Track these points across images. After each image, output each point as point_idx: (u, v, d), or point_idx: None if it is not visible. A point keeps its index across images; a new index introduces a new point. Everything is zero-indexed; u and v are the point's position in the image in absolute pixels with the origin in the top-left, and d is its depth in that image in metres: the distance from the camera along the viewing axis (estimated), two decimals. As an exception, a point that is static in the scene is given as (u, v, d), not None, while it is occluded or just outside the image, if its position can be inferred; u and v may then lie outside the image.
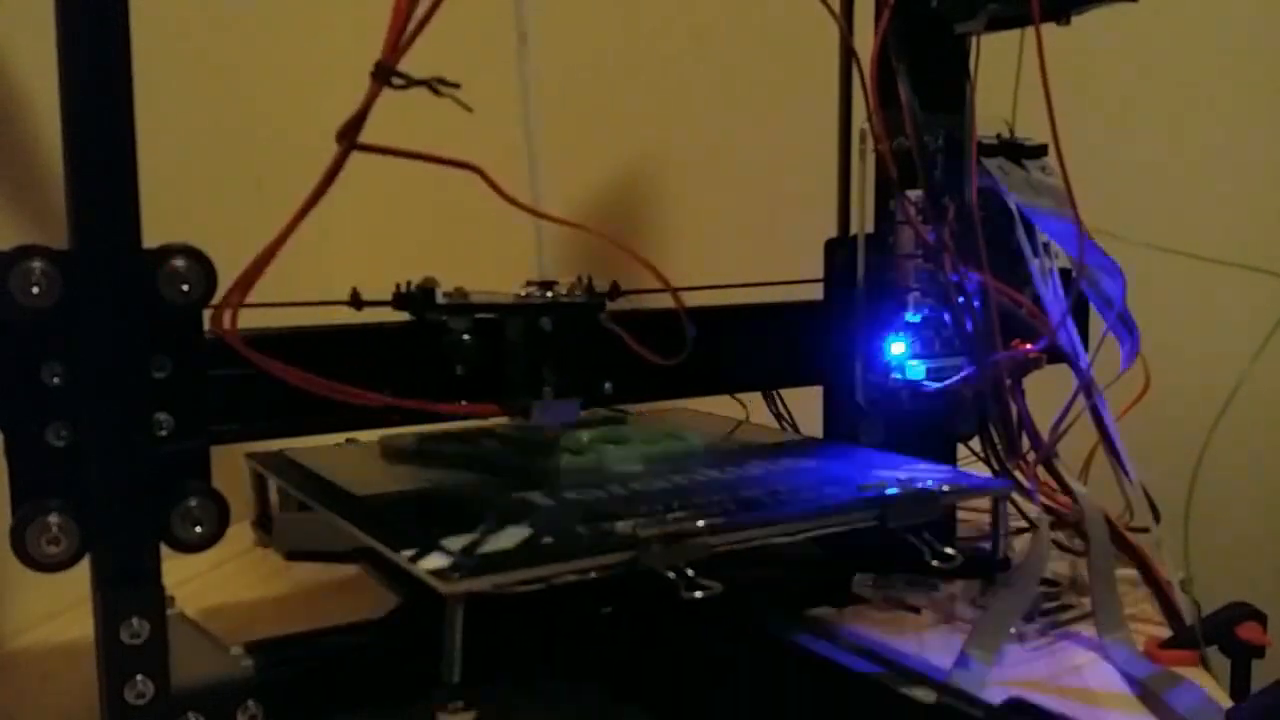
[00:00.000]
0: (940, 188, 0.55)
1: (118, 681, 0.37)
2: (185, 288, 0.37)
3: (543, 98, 0.50)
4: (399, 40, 0.35)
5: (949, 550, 0.44)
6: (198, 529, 0.38)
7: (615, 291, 0.50)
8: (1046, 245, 0.58)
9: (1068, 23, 0.55)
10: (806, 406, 0.63)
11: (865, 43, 0.55)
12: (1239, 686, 0.52)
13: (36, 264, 0.35)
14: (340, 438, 0.76)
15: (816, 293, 0.60)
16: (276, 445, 0.74)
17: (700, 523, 0.39)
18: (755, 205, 0.96)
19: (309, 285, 0.47)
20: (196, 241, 0.38)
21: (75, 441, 0.37)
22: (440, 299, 0.47)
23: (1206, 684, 0.48)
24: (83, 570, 0.37)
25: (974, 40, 0.58)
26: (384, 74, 0.35)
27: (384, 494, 0.51)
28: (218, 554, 0.52)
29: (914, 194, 0.55)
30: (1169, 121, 0.91)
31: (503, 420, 0.53)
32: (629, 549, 0.38)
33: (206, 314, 0.39)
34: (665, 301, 0.48)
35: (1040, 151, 0.59)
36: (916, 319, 0.57)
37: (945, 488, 0.46)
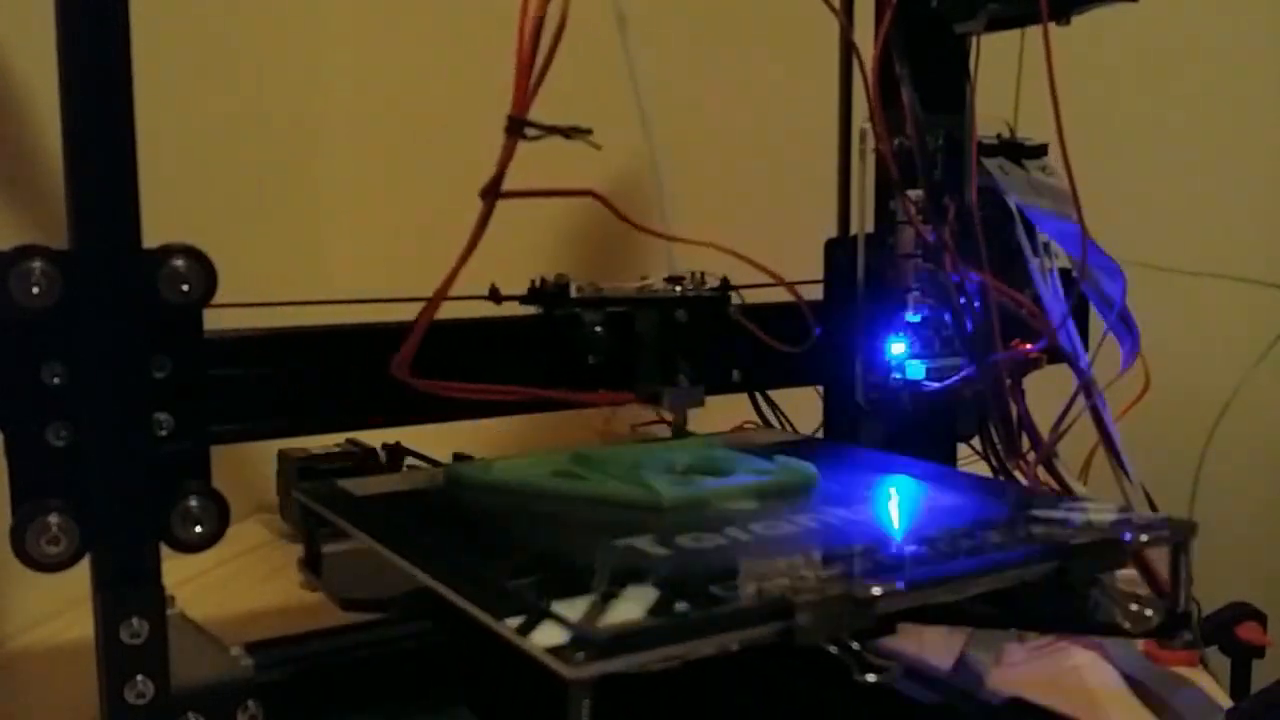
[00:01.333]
0: (940, 188, 0.55)
1: (118, 681, 0.37)
2: (185, 288, 0.37)
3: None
4: (525, 91, 0.36)
5: (1148, 612, 0.38)
6: (198, 529, 0.38)
7: (728, 286, 0.54)
8: (1046, 245, 0.58)
9: (1068, 23, 0.55)
10: (805, 407, 0.63)
11: (865, 42, 0.55)
12: (1239, 686, 0.52)
13: (36, 264, 0.35)
14: (340, 438, 0.77)
15: (816, 293, 0.60)
16: (276, 445, 0.75)
17: (876, 590, 0.33)
18: (755, 205, 0.96)
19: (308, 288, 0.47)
20: (196, 242, 0.38)
21: (75, 441, 0.37)
22: (573, 293, 0.50)
23: (1206, 684, 0.48)
24: (83, 570, 0.37)
25: (974, 40, 0.58)
26: (517, 127, 0.37)
27: (464, 538, 0.44)
28: (218, 554, 0.52)
29: (914, 194, 0.55)
30: (1168, 127, 0.91)
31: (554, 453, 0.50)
32: (782, 617, 0.32)
33: (209, 314, 0.39)
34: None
35: (1040, 151, 0.59)
36: (916, 319, 0.57)
37: (1144, 537, 0.39)
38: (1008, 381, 0.56)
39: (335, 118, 0.91)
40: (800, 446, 0.56)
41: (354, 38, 0.93)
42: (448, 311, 0.44)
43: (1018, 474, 0.55)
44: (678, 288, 0.52)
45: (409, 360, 0.41)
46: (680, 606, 0.32)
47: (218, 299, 0.38)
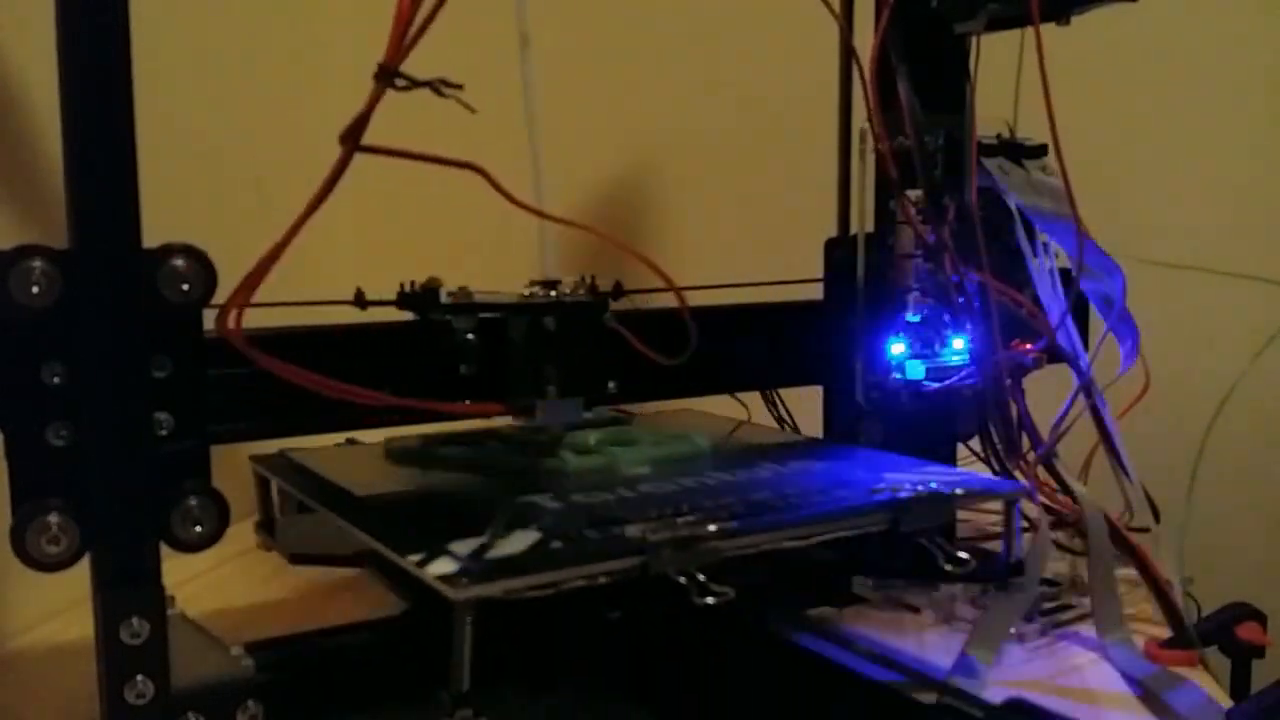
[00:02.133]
0: (940, 188, 0.55)
1: (118, 681, 0.37)
2: (185, 287, 0.37)
3: (542, 98, 0.50)
4: (402, 42, 0.35)
5: (962, 554, 0.44)
6: (198, 529, 0.38)
7: (618, 291, 0.50)
8: (1046, 245, 0.58)
9: (1067, 23, 0.55)
10: (807, 406, 0.63)
11: (865, 42, 0.55)
12: (1239, 686, 0.52)
13: (36, 264, 0.35)
14: (340, 437, 0.77)
15: (816, 293, 0.60)
16: (276, 445, 0.75)
17: (712, 527, 0.39)
18: (755, 205, 0.96)
19: (310, 285, 0.47)
20: (196, 242, 0.38)
21: (75, 441, 0.37)
22: (444, 298, 0.47)
23: (1206, 684, 0.48)
24: (83, 570, 0.37)
25: (974, 40, 0.58)
26: (387, 76, 0.35)
27: (389, 496, 0.50)
28: (218, 554, 0.52)
29: (914, 194, 0.55)
30: (1164, 125, 0.91)
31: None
32: (639, 554, 0.37)
33: (208, 314, 0.39)
34: (668, 301, 0.48)
35: (1040, 151, 0.59)
36: (916, 319, 0.57)
37: (959, 491, 0.45)
38: (1008, 381, 0.56)
39: (335, 117, 0.91)
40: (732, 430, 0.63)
41: (354, 37, 0.93)
42: (318, 318, 0.46)
43: (1018, 474, 0.55)
44: (552, 293, 0.49)
45: (230, 316, 0.37)
46: (554, 544, 0.38)
47: (218, 299, 0.38)
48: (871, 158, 0.57)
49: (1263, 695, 0.45)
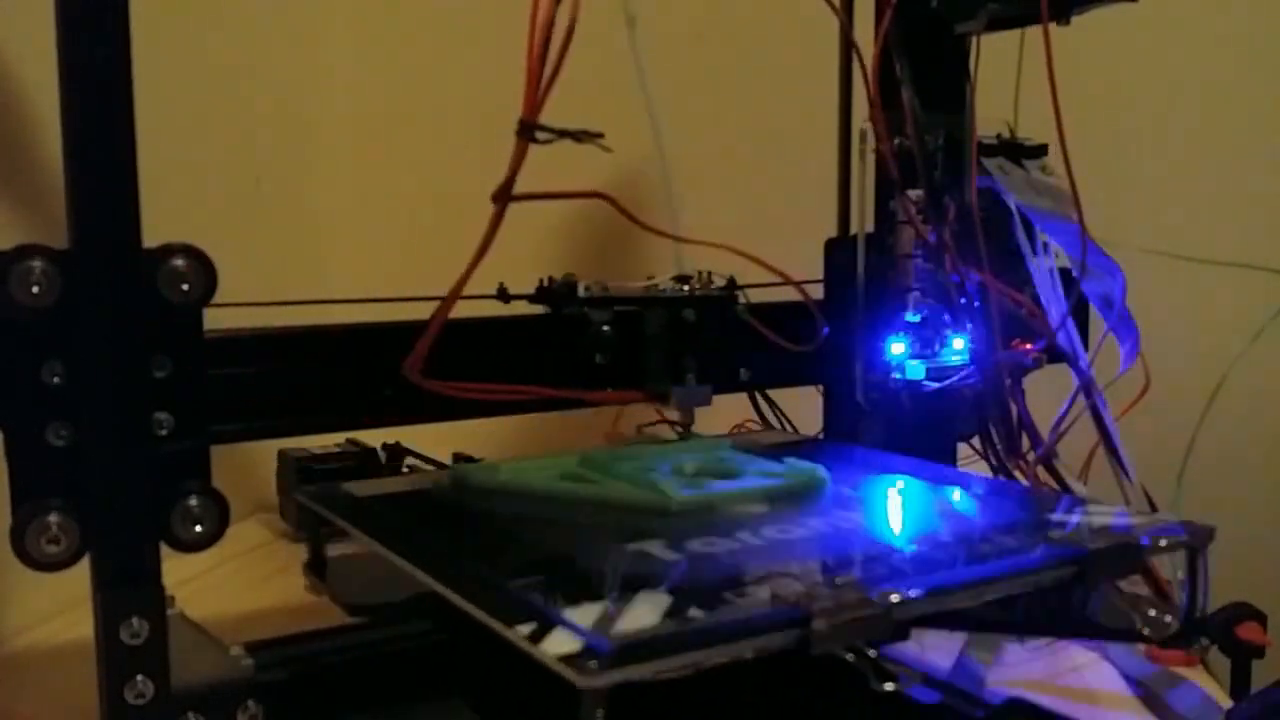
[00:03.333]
0: (940, 188, 0.55)
1: (118, 681, 0.37)
2: (185, 287, 0.37)
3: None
4: (536, 95, 0.37)
5: (1164, 617, 0.38)
6: (198, 528, 0.38)
7: (735, 285, 0.54)
8: (1046, 245, 0.58)
9: (1068, 23, 0.55)
10: (805, 406, 0.63)
11: (865, 42, 0.55)
12: (1239, 686, 0.52)
13: (36, 264, 0.35)
14: (340, 437, 0.77)
15: (816, 293, 0.60)
16: (277, 445, 0.75)
17: (895, 597, 0.32)
18: (755, 205, 0.96)
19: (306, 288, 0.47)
20: (196, 241, 0.38)
21: (75, 441, 0.37)
22: (581, 292, 0.50)
23: (1206, 684, 0.48)
24: (83, 570, 0.37)
25: (974, 40, 0.58)
26: (528, 130, 0.37)
27: (473, 542, 0.43)
28: (218, 554, 0.52)
29: (914, 194, 0.55)
30: (1159, 119, 0.91)
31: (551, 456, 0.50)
32: (797, 626, 0.31)
33: (209, 314, 0.39)
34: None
35: (1040, 151, 0.59)
36: (916, 319, 0.57)
37: (1163, 542, 0.38)
38: (1008, 381, 0.56)
39: (335, 117, 0.91)
40: (805, 447, 0.57)
41: (354, 37, 0.93)
42: (455, 310, 0.44)
43: (1018, 474, 0.55)
44: (685, 287, 0.53)
45: (419, 362, 0.41)
46: (694, 613, 0.32)
47: (218, 299, 0.38)
48: (871, 158, 0.57)
49: (1263, 695, 0.45)
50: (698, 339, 0.52)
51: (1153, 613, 0.38)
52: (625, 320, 0.52)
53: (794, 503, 0.45)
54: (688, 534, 0.40)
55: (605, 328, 0.51)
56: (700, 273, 0.54)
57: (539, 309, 0.52)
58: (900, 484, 0.49)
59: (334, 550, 0.52)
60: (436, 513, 0.47)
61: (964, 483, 0.48)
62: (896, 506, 0.46)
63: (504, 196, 0.38)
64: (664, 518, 0.43)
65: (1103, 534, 0.39)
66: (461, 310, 0.44)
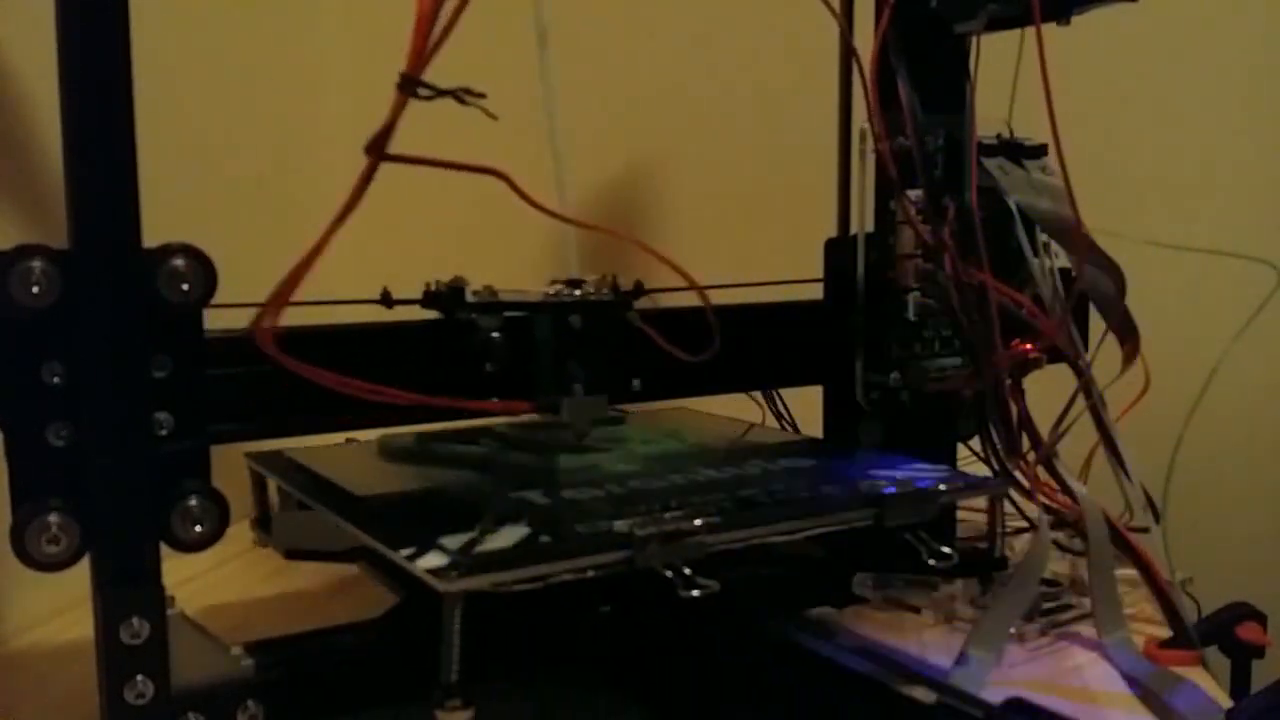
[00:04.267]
0: (940, 188, 0.55)
1: (118, 681, 0.37)
2: (185, 287, 0.37)
3: (560, 97, 0.50)
4: (423, 50, 0.35)
5: (945, 549, 0.45)
6: (198, 529, 0.38)
7: (639, 290, 0.50)
8: (1046, 245, 0.58)
9: (1068, 23, 0.55)
10: (806, 406, 0.63)
11: (865, 42, 0.55)
12: (1239, 686, 0.52)
13: (36, 263, 0.35)
14: (340, 437, 0.77)
15: (816, 293, 0.60)
16: (277, 445, 0.75)
17: (698, 521, 0.40)
18: (755, 205, 0.96)
19: (327, 286, 0.47)
20: (196, 241, 0.38)
21: (75, 441, 0.37)
22: (469, 297, 0.48)
23: (1206, 684, 0.48)
24: (83, 570, 0.37)
25: (974, 40, 0.58)
26: (410, 85, 0.36)
27: (382, 493, 0.51)
28: (218, 554, 0.52)
29: (914, 194, 0.55)
30: (1155, 111, 0.91)
31: (498, 419, 0.54)
32: (626, 548, 0.38)
33: (208, 314, 0.39)
34: (681, 300, 0.49)
35: (1040, 151, 0.59)
36: (916, 319, 0.57)
37: (942, 486, 0.46)
38: (1008, 381, 0.56)
39: (335, 117, 0.91)
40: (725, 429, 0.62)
41: (354, 37, 0.93)
42: (341, 317, 0.46)
43: (1018, 474, 0.55)
44: (577, 291, 0.49)
45: (267, 328, 0.37)
46: (544, 539, 0.39)
47: (218, 299, 0.38)
48: (871, 158, 0.57)
49: (1263, 695, 0.45)
50: (585, 347, 0.49)
51: (944, 549, 0.45)
52: (515, 327, 0.49)
53: (664, 464, 0.52)
54: (565, 486, 0.48)
55: (494, 334, 0.48)
56: (604, 275, 0.50)
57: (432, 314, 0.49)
58: (770, 453, 0.54)
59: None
60: (362, 472, 0.54)
61: (826, 452, 0.56)
62: (752, 469, 0.51)
63: (377, 149, 0.36)
64: (551, 474, 0.51)
65: (906, 484, 0.46)
66: (349, 316, 0.46)
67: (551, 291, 0.49)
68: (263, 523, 0.69)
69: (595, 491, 0.46)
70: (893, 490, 0.45)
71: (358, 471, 0.54)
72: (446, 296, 0.48)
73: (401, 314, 0.48)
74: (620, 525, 0.40)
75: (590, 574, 0.38)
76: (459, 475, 0.53)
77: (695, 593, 0.38)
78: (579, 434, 0.51)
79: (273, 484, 0.65)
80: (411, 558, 0.37)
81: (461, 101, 0.36)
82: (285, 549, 0.68)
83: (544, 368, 0.49)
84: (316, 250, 0.37)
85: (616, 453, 0.54)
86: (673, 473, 0.50)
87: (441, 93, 0.36)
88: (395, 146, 0.36)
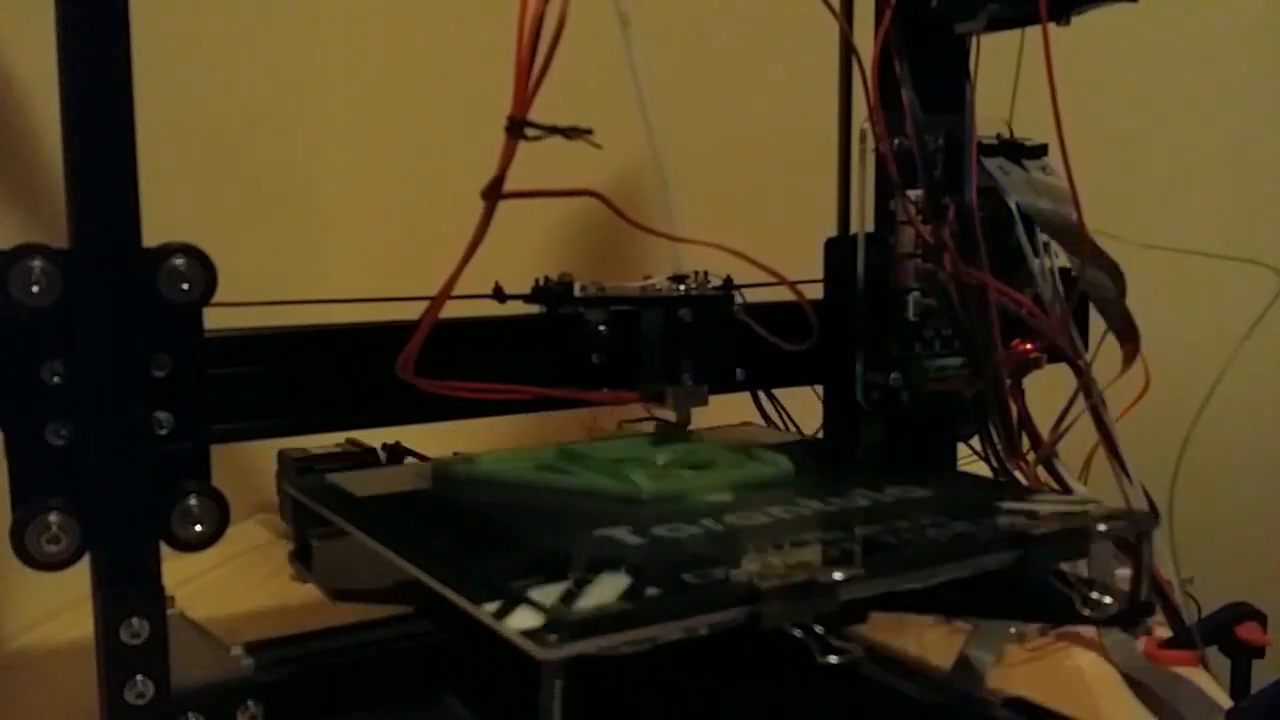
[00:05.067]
0: (940, 188, 0.55)
1: (118, 681, 0.37)
2: (185, 287, 0.37)
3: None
4: (525, 91, 0.36)
5: (1104, 597, 0.40)
6: (198, 528, 0.38)
7: (732, 284, 0.54)
8: (1047, 245, 0.58)
9: (1068, 23, 0.55)
10: (805, 405, 0.63)
11: (865, 42, 0.55)
12: (1239, 686, 0.52)
13: (36, 263, 0.35)
14: (340, 437, 0.77)
15: (816, 293, 0.60)
16: (277, 445, 0.75)
17: (838, 575, 0.34)
18: (755, 205, 0.96)
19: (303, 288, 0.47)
20: (196, 241, 0.38)
21: (75, 440, 0.37)
22: (577, 292, 0.50)
23: (1206, 684, 0.48)
24: (83, 570, 0.37)
25: (974, 40, 0.58)
26: (517, 128, 0.36)
27: (449, 528, 0.45)
28: (218, 554, 0.52)
29: (914, 194, 0.55)
30: (1152, 111, 0.91)
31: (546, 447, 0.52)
32: (750, 602, 0.33)
33: (209, 313, 0.39)
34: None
35: (1040, 151, 0.59)
36: (916, 319, 0.57)
37: (1102, 528, 0.40)
38: (1008, 381, 0.56)
39: (335, 117, 0.91)
40: (795, 446, 0.57)
41: (354, 36, 0.93)
42: (451, 310, 0.43)
43: (1018, 474, 0.55)
44: (681, 287, 0.52)
45: (413, 360, 0.41)
46: (651, 592, 0.33)
47: (218, 299, 0.38)
48: (871, 158, 0.57)
49: (1263, 695, 0.45)
50: (694, 339, 0.52)
51: (1094, 595, 0.40)
52: (621, 320, 0.52)
53: (758, 492, 0.47)
54: (654, 521, 0.41)
55: (601, 327, 0.51)
56: (696, 272, 0.53)
57: (535, 309, 0.52)
58: (863, 476, 0.50)
59: (321, 543, 0.54)
60: (417, 502, 0.48)
61: (925, 474, 0.50)
62: (860, 499, 0.46)
63: (494, 193, 0.38)
64: (633, 506, 0.45)
65: (1048, 520, 0.40)
66: (458, 310, 0.44)
67: (658, 286, 0.52)
68: (302, 555, 0.58)
69: (691, 529, 0.41)
70: (1039, 529, 0.39)
71: (413, 500, 0.49)
72: (555, 291, 0.50)
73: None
74: (738, 574, 0.34)
75: (704, 632, 0.33)
76: (529, 505, 0.47)
77: (834, 659, 0.33)
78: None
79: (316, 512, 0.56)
80: (499, 615, 0.32)
81: (569, 137, 0.37)
82: (332, 589, 0.56)
83: (653, 359, 0.51)
84: (447, 288, 0.39)
85: (702, 480, 0.48)
86: (772, 505, 0.44)
87: (550, 130, 0.36)
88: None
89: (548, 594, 0.33)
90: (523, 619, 0.31)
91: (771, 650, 0.48)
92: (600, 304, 0.50)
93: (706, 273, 0.53)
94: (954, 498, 0.46)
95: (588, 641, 0.31)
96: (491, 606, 0.32)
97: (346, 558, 0.53)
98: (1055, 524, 0.40)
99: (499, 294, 0.50)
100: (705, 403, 0.52)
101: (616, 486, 0.46)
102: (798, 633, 0.34)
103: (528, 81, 0.36)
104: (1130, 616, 0.43)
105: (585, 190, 0.40)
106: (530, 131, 0.36)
